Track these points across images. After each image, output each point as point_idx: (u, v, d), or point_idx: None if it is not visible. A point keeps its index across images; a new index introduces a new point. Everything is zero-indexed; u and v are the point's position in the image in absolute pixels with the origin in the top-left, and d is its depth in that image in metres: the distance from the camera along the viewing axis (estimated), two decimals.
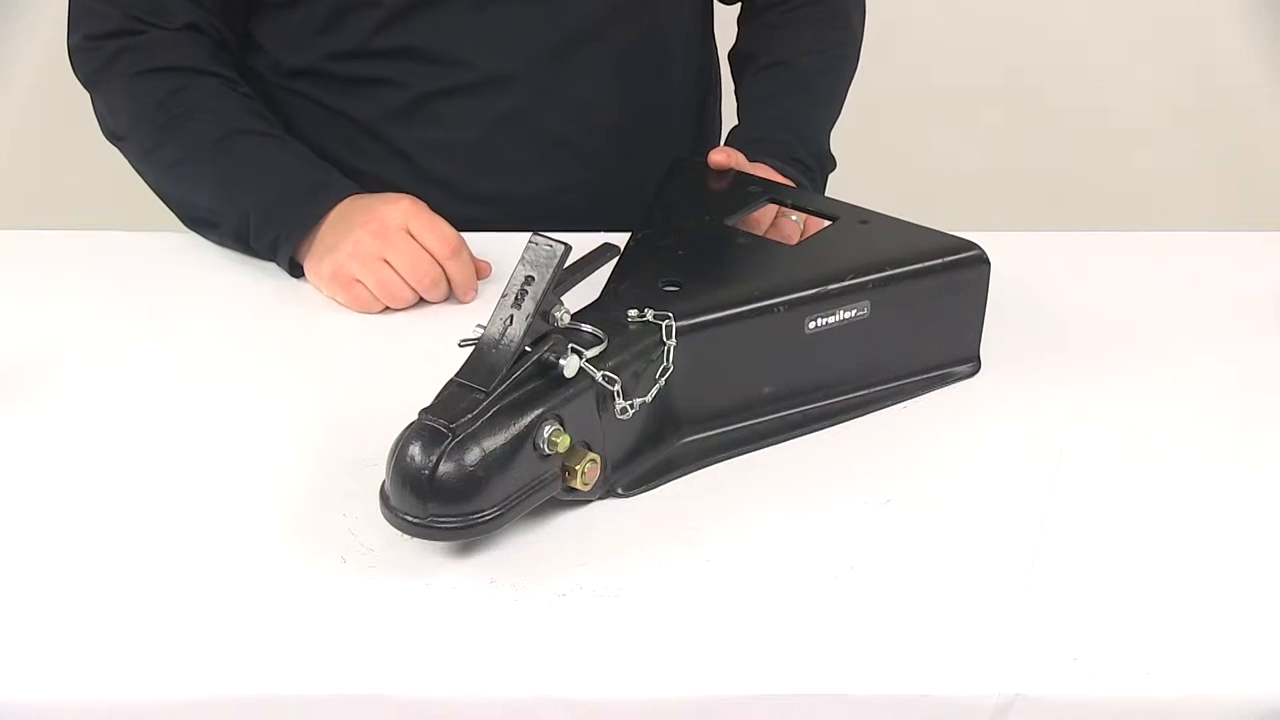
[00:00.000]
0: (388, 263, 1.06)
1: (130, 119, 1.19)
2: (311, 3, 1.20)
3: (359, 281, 1.07)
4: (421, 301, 1.09)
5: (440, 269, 1.07)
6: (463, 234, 1.17)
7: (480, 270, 1.11)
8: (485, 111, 1.23)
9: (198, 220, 1.18)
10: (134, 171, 1.21)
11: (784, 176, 1.22)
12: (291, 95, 1.26)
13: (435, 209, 1.15)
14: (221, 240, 1.16)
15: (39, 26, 1.96)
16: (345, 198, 1.11)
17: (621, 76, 1.27)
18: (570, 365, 0.81)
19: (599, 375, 0.83)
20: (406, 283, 1.07)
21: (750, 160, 1.18)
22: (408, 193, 1.12)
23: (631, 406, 0.85)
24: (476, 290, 1.10)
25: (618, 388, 0.83)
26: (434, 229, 1.08)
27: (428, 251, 1.07)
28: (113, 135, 1.21)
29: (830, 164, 1.33)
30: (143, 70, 1.18)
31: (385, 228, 1.07)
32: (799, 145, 1.27)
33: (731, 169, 1.15)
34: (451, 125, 1.24)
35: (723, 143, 1.28)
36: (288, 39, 1.24)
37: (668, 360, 0.87)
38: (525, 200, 1.25)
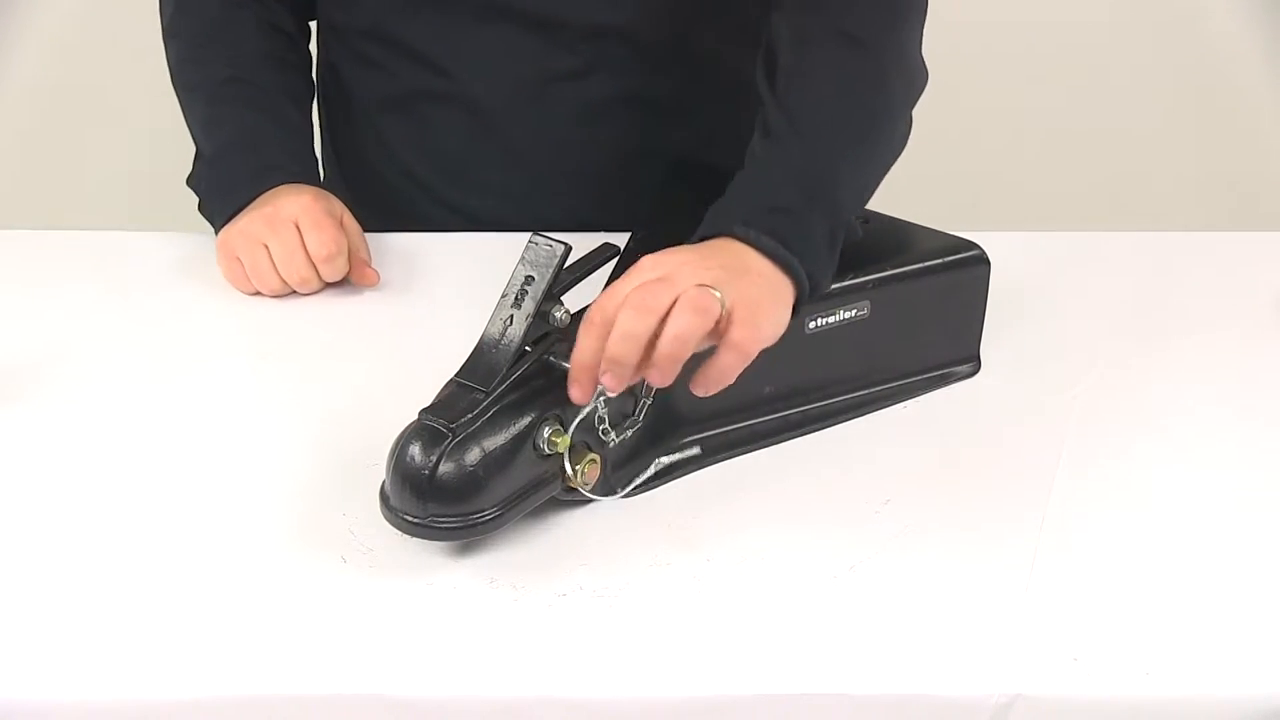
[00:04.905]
0: (267, 249, 1.09)
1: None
2: None
3: (238, 259, 1.10)
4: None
5: (313, 269, 1.09)
6: (461, 233, 1.17)
7: (366, 277, 1.11)
8: (467, 125, 1.21)
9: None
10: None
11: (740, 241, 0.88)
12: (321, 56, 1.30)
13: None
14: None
15: (39, 26, 1.96)
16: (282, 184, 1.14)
17: (604, 127, 1.21)
18: None
19: None
20: (278, 273, 1.09)
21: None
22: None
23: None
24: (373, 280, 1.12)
25: None
26: (319, 228, 1.09)
27: (306, 249, 1.09)
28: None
29: (852, 218, 0.95)
30: None
31: (277, 216, 1.10)
32: (775, 193, 0.91)
33: None
34: (435, 130, 1.23)
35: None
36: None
37: None
38: (493, 220, 1.21)
